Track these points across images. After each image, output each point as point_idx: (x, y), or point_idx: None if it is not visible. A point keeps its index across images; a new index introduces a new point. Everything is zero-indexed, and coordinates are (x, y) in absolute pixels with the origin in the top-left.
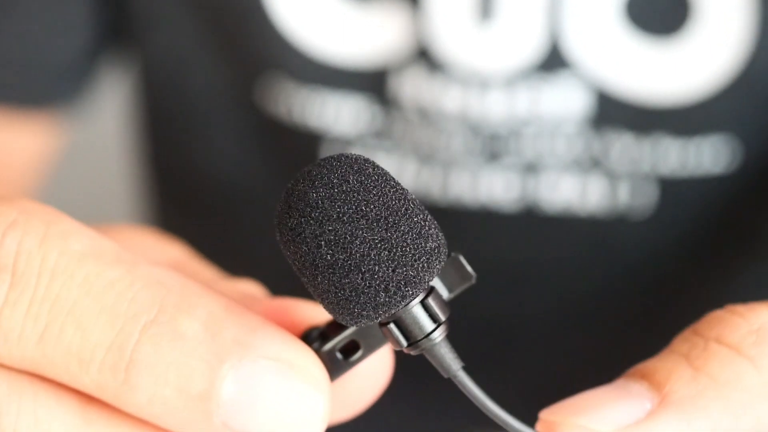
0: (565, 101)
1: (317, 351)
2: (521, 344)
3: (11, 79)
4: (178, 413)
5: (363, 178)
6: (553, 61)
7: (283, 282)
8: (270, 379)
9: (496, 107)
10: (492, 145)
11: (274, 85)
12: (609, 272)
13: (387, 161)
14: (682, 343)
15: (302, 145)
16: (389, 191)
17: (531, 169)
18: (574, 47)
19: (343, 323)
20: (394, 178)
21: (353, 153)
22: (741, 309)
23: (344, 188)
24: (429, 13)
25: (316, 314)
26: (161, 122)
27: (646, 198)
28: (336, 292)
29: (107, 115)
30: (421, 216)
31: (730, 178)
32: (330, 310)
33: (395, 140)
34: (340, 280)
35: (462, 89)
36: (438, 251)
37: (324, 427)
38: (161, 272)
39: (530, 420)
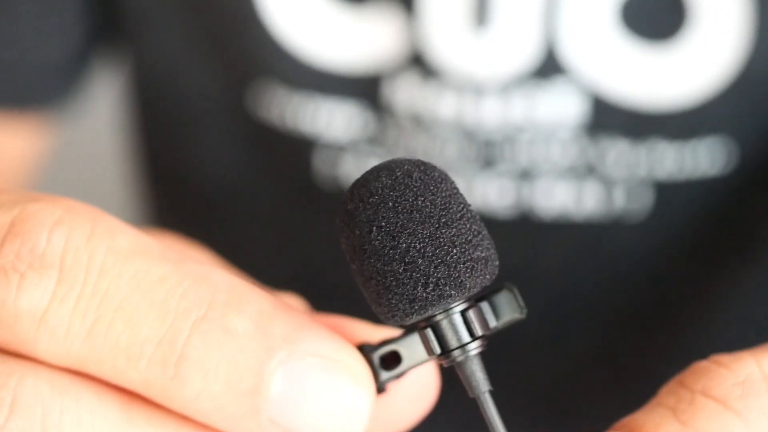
0: (561, 107)
1: None
2: (517, 349)
3: (0, 80)
4: (226, 409)
5: (426, 177)
6: (549, 67)
7: (275, 284)
8: (317, 375)
9: (490, 114)
10: (486, 152)
11: (267, 89)
12: (605, 277)
13: None
14: (668, 395)
15: (294, 150)
16: (449, 195)
17: (526, 175)
18: (569, 53)
19: (380, 316)
20: (457, 188)
21: (425, 160)
22: (726, 360)
23: (405, 181)
24: (423, 19)
25: (367, 333)
26: (153, 125)
27: (642, 202)
28: (378, 280)
29: (99, 117)
30: (476, 226)
31: (727, 180)
32: (371, 300)
33: (388, 147)
34: (383, 267)
35: (456, 96)
36: (485, 263)
37: (366, 424)
38: (209, 269)
39: (524, 423)
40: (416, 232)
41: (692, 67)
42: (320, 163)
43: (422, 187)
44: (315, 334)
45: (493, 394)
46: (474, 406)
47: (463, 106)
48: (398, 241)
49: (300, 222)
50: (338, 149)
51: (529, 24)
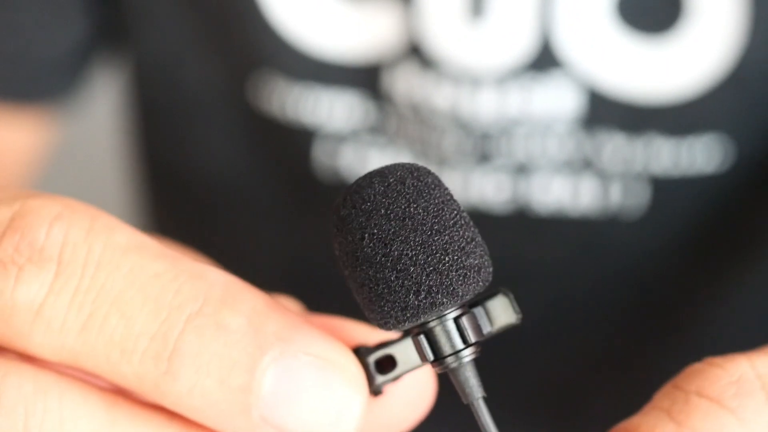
0: (557, 101)
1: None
2: (513, 345)
3: (4, 73)
4: (217, 405)
5: (419, 184)
6: (545, 60)
7: (274, 277)
8: (309, 374)
9: (487, 106)
10: (483, 146)
11: (267, 81)
12: (601, 273)
13: (382, 157)
14: (662, 398)
15: (295, 141)
16: (442, 202)
17: (522, 170)
18: (565, 46)
19: (374, 323)
20: (451, 194)
21: (419, 165)
22: (719, 360)
23: (398, 189)
24: (421, 9)
25: (364, 334)
26: (154, 119)
27: (639, 198)
28: (370, 287)
29: (100, 112)
30: (469, 234)
31: (723, 178)
32: (364, 307)
33: (389, 136)
34: (375, 275)
35: (453, 86)
36: (477, 270)
37: (359, 425)
38: (204, 267)
39: (521, 422)
40: (408, 240)
41: (688, 61)
42: (320, 154)
43: (415, 193)
44: (308, 333)
45: (491, 392)
46: (469, 410)
47: (460, 97)
48: (390, 249)
49: (299, 214)
50: (339, 139)
51: (525, 16)
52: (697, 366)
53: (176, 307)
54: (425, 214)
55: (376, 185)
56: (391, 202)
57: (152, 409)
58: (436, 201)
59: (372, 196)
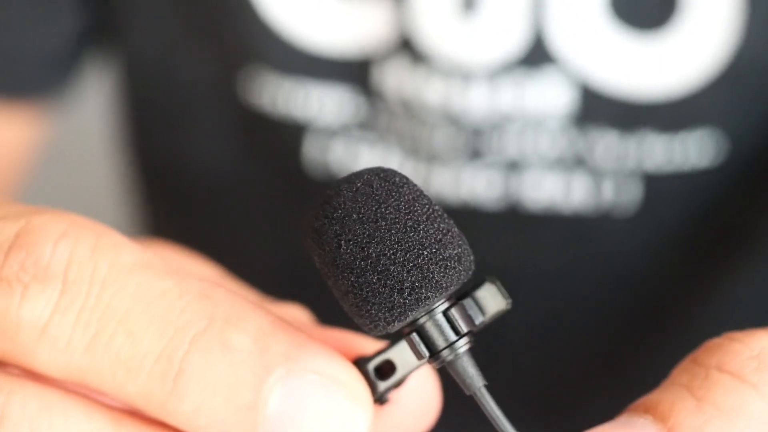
0: (549, 97)
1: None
2: (506, 343)
3: None
4: (223, 424)
5: (387, 185)
6: (537, 55)
7: (267, 271)
8: (316, 393)
9: (478, 101)
10: (474, 142)
11: (258, 76)
12: (594, 270)
13: (371, 153)
14: (681, 373)
15: (286, 136)
16: (412, 198)
17: (514, 167)
18: (558, 42)
19: (364, 329)
20: (421, 189)
21: (385, 167)
22: (739, 335)
23: (367, 192)
24: (412, 4)
25: (368, 346)
26: (145, 115)
27: (631, 194)
28: (354, 293)
29: (91, 108)
30: (444, 225)
31: (716, 173)
32: (352, 315)
33: (380, 132)
34: (357, 280)
35: (444, 81)
36: (458, 260)
37: None
38: (210, 286)
39: (518, 422)
40: (384, 240)
41: (682, 57)
42: (311, 149)
43: (384, 194)
44: (313, 352)
45: (489, 392)
46: (474, 410)
47: (450, 93)
48: (368, 252)
49: (290, 209)
50: (330, 134)
51: (517, 11)
52: (716, 340)
53: (182, 326)
54: (397, 212)
55: (345, 192)
56: (361, 205)
57: (158, 426)
58: (406, 198)
59: (342, 204)
